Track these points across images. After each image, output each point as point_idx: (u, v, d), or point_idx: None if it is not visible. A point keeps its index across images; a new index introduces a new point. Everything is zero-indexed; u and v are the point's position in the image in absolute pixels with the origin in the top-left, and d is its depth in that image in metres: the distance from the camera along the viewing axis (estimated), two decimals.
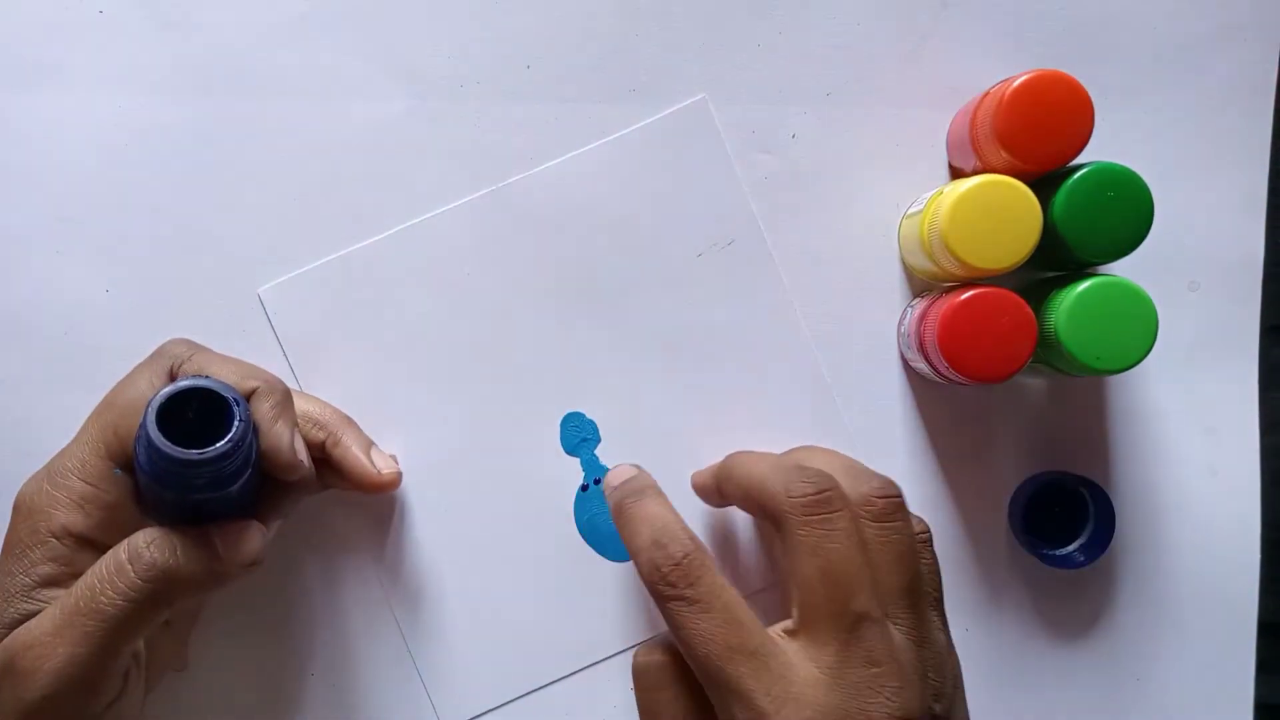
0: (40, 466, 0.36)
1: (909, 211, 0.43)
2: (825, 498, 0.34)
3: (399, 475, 0.41)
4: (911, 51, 0.44)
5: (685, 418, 0.44)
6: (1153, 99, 0.44)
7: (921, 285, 0.44)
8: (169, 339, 0.38)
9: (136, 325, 0.43)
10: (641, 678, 0.36)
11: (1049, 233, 0.38)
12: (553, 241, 0.44)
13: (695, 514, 0.43)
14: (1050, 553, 0.43)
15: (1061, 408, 0.44)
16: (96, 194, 0.43)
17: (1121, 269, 0.40)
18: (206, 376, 0.34)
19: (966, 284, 0.40)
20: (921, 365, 0.41)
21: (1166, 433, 0.44)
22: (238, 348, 0.41)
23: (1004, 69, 0.43)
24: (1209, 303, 0.44)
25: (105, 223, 0.43)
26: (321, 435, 0.39)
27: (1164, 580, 0.44)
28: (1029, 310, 0.38)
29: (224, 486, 0.34)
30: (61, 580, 0.34)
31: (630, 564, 0.43)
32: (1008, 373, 0.38)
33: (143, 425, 0.33)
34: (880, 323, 0.44)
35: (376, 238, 0.43)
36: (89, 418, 0.36)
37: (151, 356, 0.37)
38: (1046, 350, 0.39)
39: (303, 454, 0.36)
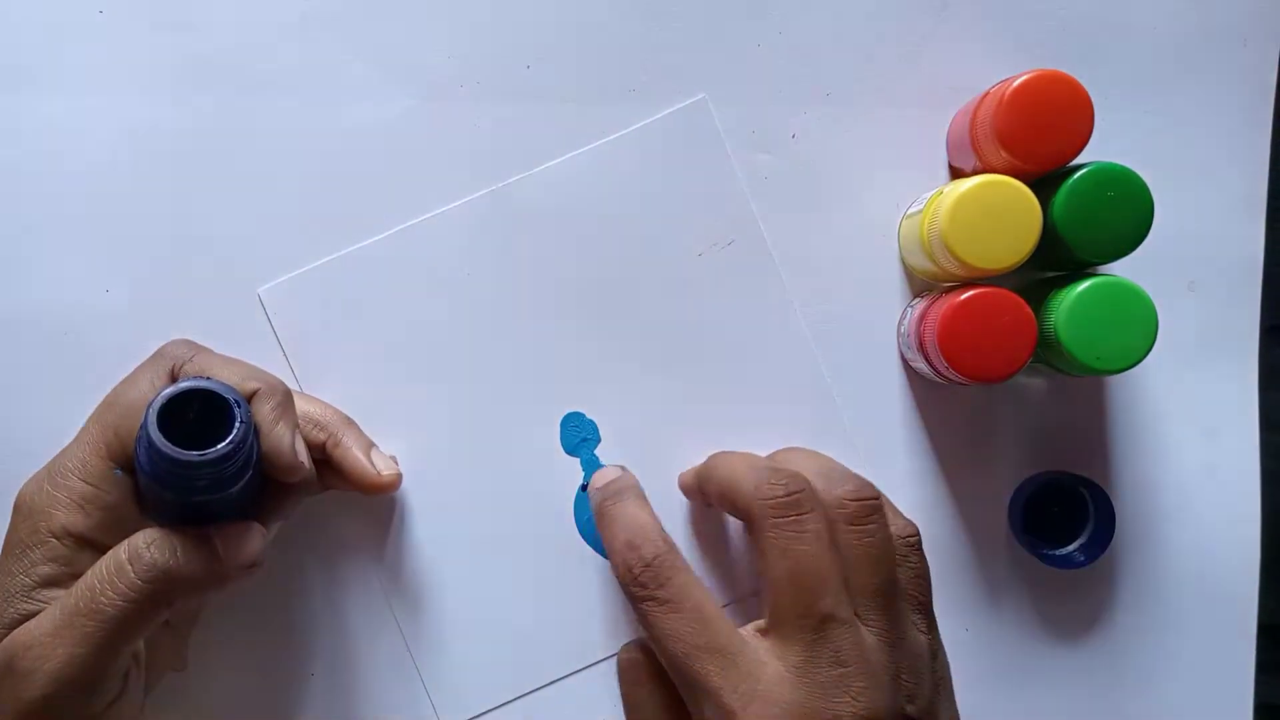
0: (40, 466, 0.36)
1: (909, 211, 0.43)
2: (795, 499, 0.34)
3: (399, 476, 0.41)
4: (911, 51, 0.44)
5: (685, 417, 0.44)
6: (1153, 99, 0.44)
7: (921, 285, 0.44)
8: (170, 340, 0.38)
9: (136, 325, 0.43)
10: (624, 673, 0.37)
11: (1049, 233, 0.38)
12: (553, 241, 0.44)
13: (686, 518, 0.43)
14: (1050, 553, 0.43)
15: (1061, 408, 0.44)
16: (96, 194, 0.43)
17: (1121, 269, 0.40)
18: (208, 378, 0.34)
19: (966, 284, 0.40)
20: (921, 365, 0.41)
21: (1166, 433, 0.44)
22: (238, 348, 0.41)
23: (1004, 69, 0.43)
24: (1209, 303, 0.44)
25: (105, 223, 0.43)
26: (322, 436, 0.39)
27: (1164, 580, 0.44)
28: (1029, 310, 0.38)
29: (225, 488, 0.34)
30: (61, 580, 0.34)
31: None
32: (1008, 373, 0.38)
33: (144, 426, 0.33)
34: (880, 323, 0.44)
35: (376, 238, 0.43)
36: (90, 418, 0.36)
37: (153, 357, 0.37)
38: (1046, 350, 0.39)
39: (304, 456, 0.36)
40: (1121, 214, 0.38)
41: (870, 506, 0.35)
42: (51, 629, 0.33)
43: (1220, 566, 0.44)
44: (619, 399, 0.44)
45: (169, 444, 0.32)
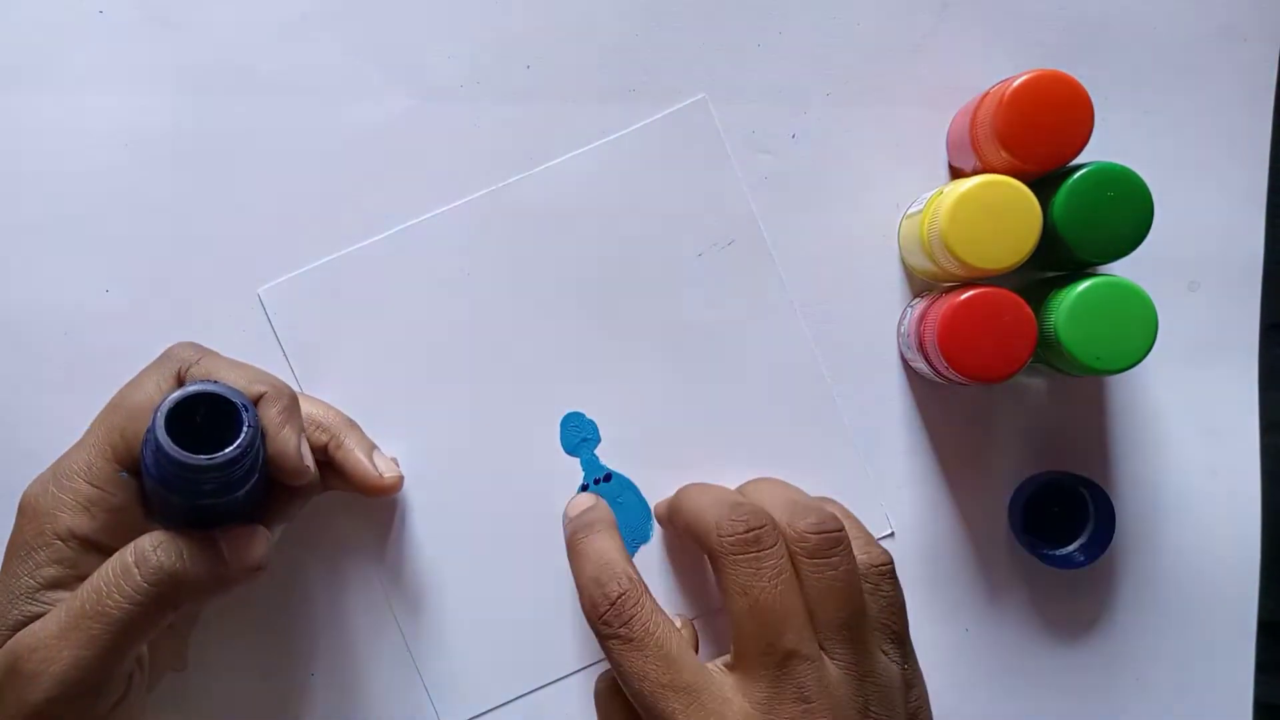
0: (41, 467, 0.36)
1: (909, 211, 0.43)
2: (754, 536, 0.34)
3: (400, 479, 0.41)
4: (911, 51, 0.44)
5: (685, 418, 0.44)
6: (1153, 99, 0.44)
7: (921, 285, 0.44)
8: (176, 342, 0.38)
9: (136, 325, 0.43)
10: (600, 703, 0.37)
11: (1049, 233, 0.38)
12: (553, 241, 0.44)
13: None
14: (1050, 553, 0.43)
15: (1061, 408, 0.44)
16: (96, 194, 0.43)
17: (1121, 269, 0.40)
18: (215, 381, 0.34)
19: (966, 284, 0.40)
20: (921, 365, 0.41)
21: (1166, 433, 0.44)
22: (238, 348, 0.41)
23: (1004, 69, 0.43)
24: (1209, 303, 0.44)
25: (105, 223, 0.43)
26: (324, 438, 0.39)
27: (1164, 580, 0.44)
28: (1029, 310, 0.38)
29: (231, 491, 0.34)
30: (66, 583, 0.34)
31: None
32: (1008, 373, 0.38)
33: (151, 429, 0.33)
34: (880, 323, 0.44)
35: (376, 238, 0.43)
36: (95, 420, 0.36)
37: (159, 360, 0.37)
38: (1046, 350, 0.39)
39: (309, 460, 0.36)
40: (1121, 214, 0.38)
41: (832, 539, 0.35)
42: (57, 631, 0.33)
43: (1220, 566, 0.44)
44: (619, 399, 0.44)
45: (177, 448, 0.32)
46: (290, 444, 0.35)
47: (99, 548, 0.35)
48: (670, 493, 0.42)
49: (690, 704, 0.33)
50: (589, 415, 0.44)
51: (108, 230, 0.43)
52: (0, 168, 0.43)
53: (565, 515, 0.40)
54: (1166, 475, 0.44)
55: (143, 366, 0.37)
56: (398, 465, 0.42)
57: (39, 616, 0.34)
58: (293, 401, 0.37)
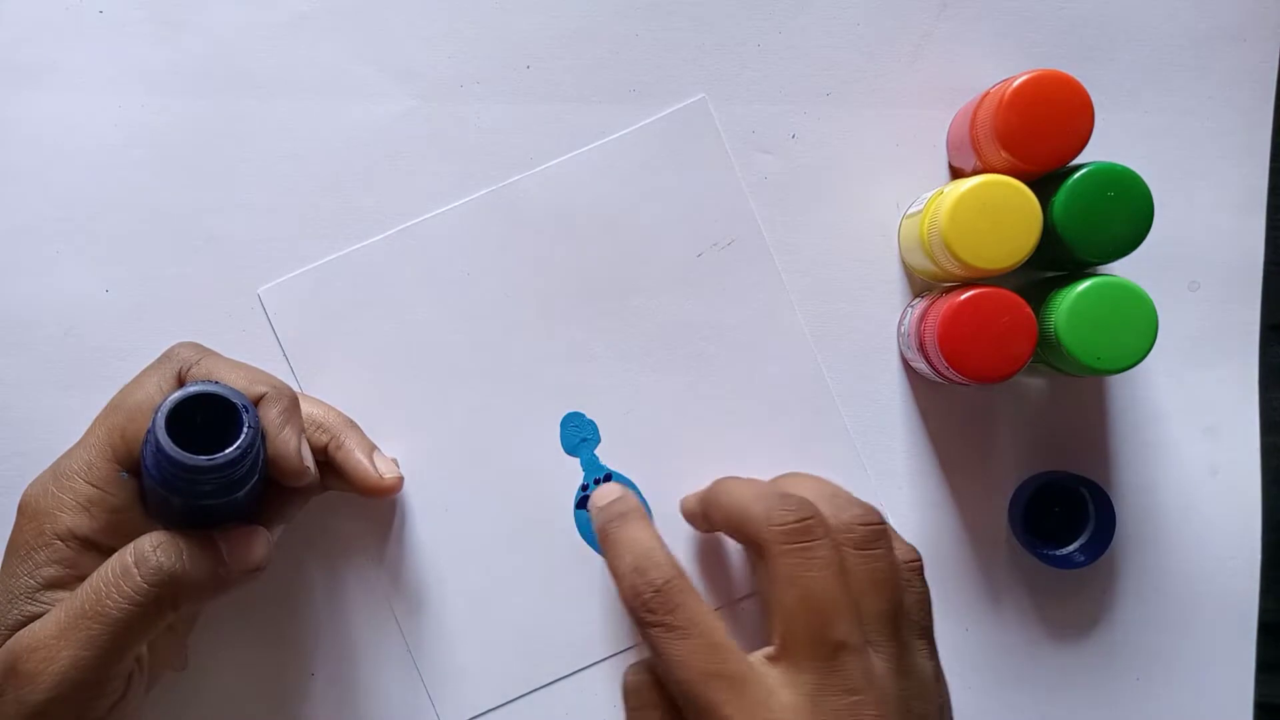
0: (41, 467, 0.36)
1: (909, 211, 0.43)
2: (805, 526, 0.34)
3: (400, 480, 0.41)
4: (911, 51, 0.44)
5: (685, 418, 0.44)
6: (1153, 99, 0.44)
7: (921, 285, 0.44)
8: (177, 342, 0.38)
9: (136, 325, 0.43)
10: (630, 697, 0.37)
11: (1049, 233, 0.38)
12: (553, 241, 0.44)
13: (680, 522, 0.43)
14: (1050, 553, 0.43)
15: (1061, 408, 0.44)
16: (96, 194, 0.43)
17: (1121, 269, 0.40)
18: (216, 382, 0.34)
19: (966, 284, 0.40)
20: (921, 365, 0.41)
21: (1166, 432, 0.44)
22: (237, 348, 0.41)
23: (1004, 69, 0.43)
24: (1209, 303, 0.44)
25: (105, 223, 0.43)
26: (324, 438, 0.39)
27: (1164, 580, 0.44)
28: (1029, 310, 0.38)
29: (231, 492, 0.34)
30: (66, 583, 0.34)
31: None
32: (1008, 373, 0.38)
33: (151, 430, 0.33)
34: (880, 323, 0.44)
35: (376, 238, 0.43)
36: (95, 420, 0.36)
37: (159, 360, 0.37)
38: (1046, 350, 0.39)
39: (309, 461, 0.36)
40: (1121, 214, 0.38)
41: (878, 531, 0.35)
42: (56, 631, 0.33)
43: (1220, 566, 0.44)
44: (619, 399, 0.44)
45: (177, 448, 0.32)
46: (290, 445, 0.35)
47: (99, 548, 0.35)
48: (671, 492, 0.42)
49: (736, 694, 0.33)
50: (589, 415, 0.44)
51: (108, 230, 0.43)
52: (0, 168, 0.43)
53: (592, 505, 0.40)
54: (1166, 475, 0.44)
55: (143, 366, 0.37)
56: (398, 466, 0.42)
57: (38, 616, 0.34)
58: (293, 402, 0.37)
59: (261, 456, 0.35)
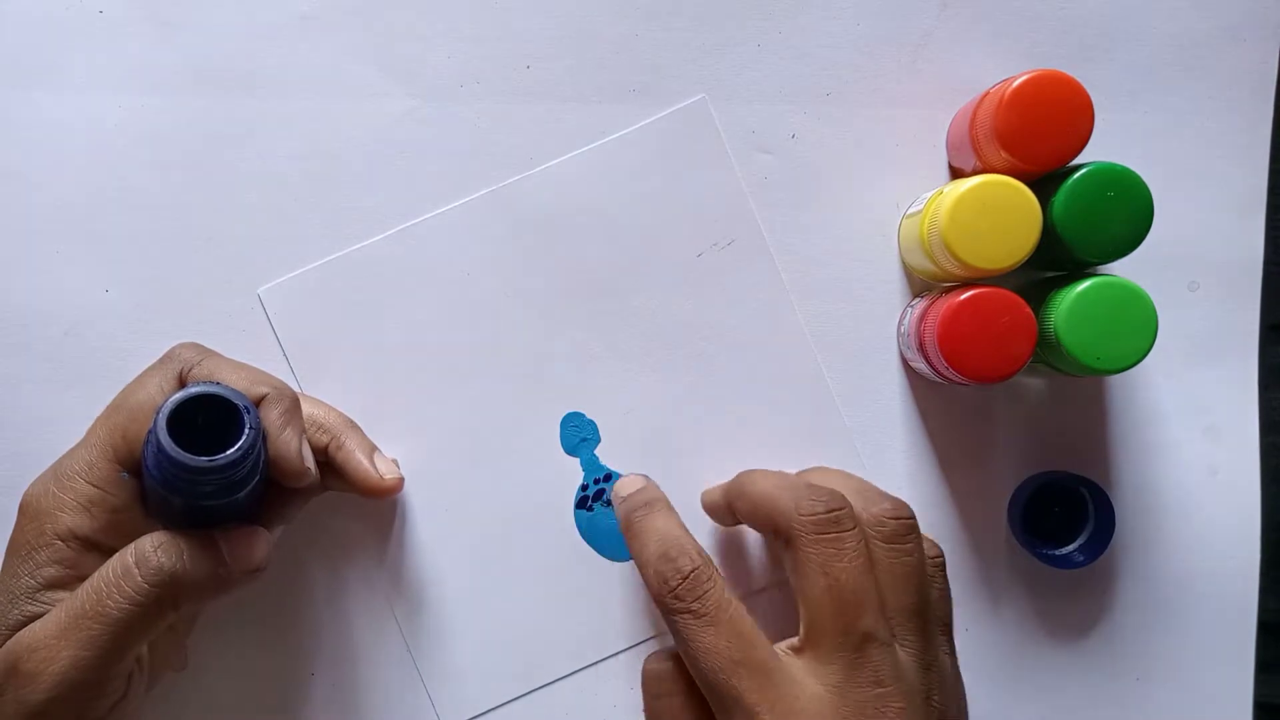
0: (41, 467, 0.36)
1: (909, 211, 0.43)
2: (836, 517, 0.34)
3: (401, 480, 0.41)
4: (911, 51, 0.44)
5: (685, 418, 0.44)
6: (1153, 99, 0.44)
7: (921, 285, 0.44)
8: (178, 343, 0.38)
9: (136, 325, 0.43)
10: (651, 685, 0.37)
11: (1049, 233, 0.38)
12: (553, 241, 0.44)
13: (699, 513, 0.43)
14: (1050, 553, 0.43)
15: (1061, 408, 0.44)
16: (96, 194, 0.43)
17: (1121, 269, 0.40)
18: (217, 383, 0.34)
19: (966, 284, 0.40)
20: (921, 365, 0.41)
21: (1166, 433, 0.44)
22: (237, 348, 0.41)
23: (1004, 69, 0.43)
24: (1209, 303, 0.44)
25: (105, 223, 0.43)
26: (325, 439, 0.39)
27: (1164, 580, 0.44)
28: (1029, 310, 0.38)
29: (232, 493, 0.34)
30: (66, 583, 0.34)
31: (630, 563, 0.43)
32: (1008, 373, 0.38)
33: (153, 431, 0.33)
34: (880, 323, 0.44)
35: (376, 238, 0.43)
36: (97, 420, 0.36)
37: (161, 360, 0.37)
38: (1046, 350, 0.39)
39: (310, 462, 0.36)
40: (1121, 214, 0.38)
41: (908, 526, 0.35)
42: (57, 631, 0.33)
43: (1220, 566, 0.44)
44: (619, 399, 0.44)
45: (178, 449, 0.32)
46: (291, 446, 0.35)
47: (99, 548, 0.35)
48: (671, 492, 0.42)
49: (762, 683, 0.33)
50: (589, 415, 0.44)
51: (108, 230, 0.43)
52: (0, 167, 0.43)
53: (615, 495, 0.40)
54: (1166, 475, 0.44)
55: (143, 367, 0.37)
56: (398, 467, 0.42)
57: (39, 616, 0.34)
58: (294, 404, 0.37)
59: (262, 457, 0.35)
